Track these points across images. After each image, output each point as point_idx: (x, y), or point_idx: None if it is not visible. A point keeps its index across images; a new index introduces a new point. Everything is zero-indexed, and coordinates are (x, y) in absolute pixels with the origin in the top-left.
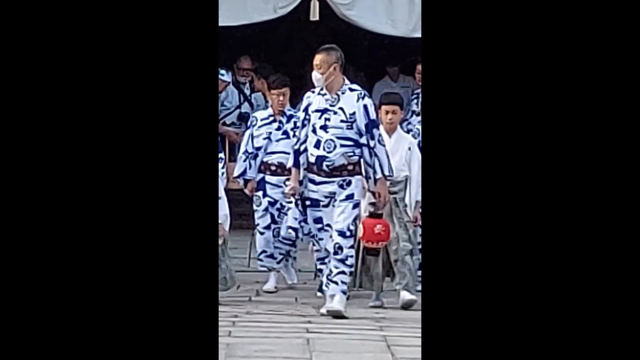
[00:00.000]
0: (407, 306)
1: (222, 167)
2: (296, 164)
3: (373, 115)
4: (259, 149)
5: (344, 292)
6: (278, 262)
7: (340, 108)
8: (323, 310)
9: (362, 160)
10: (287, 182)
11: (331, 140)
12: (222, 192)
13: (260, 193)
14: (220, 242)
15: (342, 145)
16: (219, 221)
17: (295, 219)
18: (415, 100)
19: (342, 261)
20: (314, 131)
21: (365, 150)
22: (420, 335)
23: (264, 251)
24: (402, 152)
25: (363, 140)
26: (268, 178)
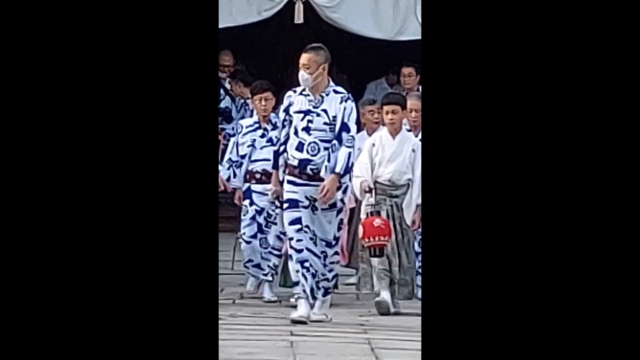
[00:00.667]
0: (381, 309)
1: None
2: (275, 165)
3: (347, 119)
4: (243, 157)
5: (324, 297)
6: (265, 274)
7: (324, 110)
8: (295, 316)
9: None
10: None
11: (315, 143)
12: None
13: (247, 202)
14: None
15: (325, 149)
16: None
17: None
18: None
19: (324, 266)
20: (296, 133)
21: (329, 151)
22: (403, 339)
23: (250, 260)
24: (405, 154)
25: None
26: (254, 187)
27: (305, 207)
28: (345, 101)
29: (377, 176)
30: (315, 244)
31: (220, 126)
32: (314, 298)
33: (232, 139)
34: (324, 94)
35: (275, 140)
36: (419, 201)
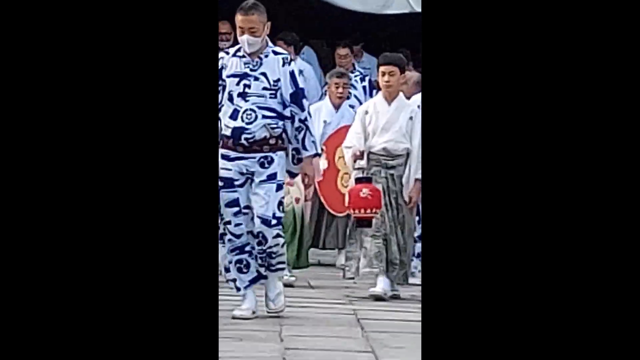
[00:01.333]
0: (375, 298)
1: None
2: None
3: (302, 84)
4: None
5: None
6: None
7: (263, 73)
8: (245, 313)
9: (284, 134)
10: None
11: (251, 110)
12: None
13: None
14: None
15: (264, 117)
16: None
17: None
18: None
19: (269, 255)
20: (231, 99)
21: (289, 124)
22: (388, 310)
23: None
24: (402, 121)
25: (287, 112)
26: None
27: (242, 185)
28: (289, 63)
29: (371, 146)
30: (252, 221)
31: None
32: (260, 279)
33: None
34: (262, 56)
35: None
36: (418, 175)
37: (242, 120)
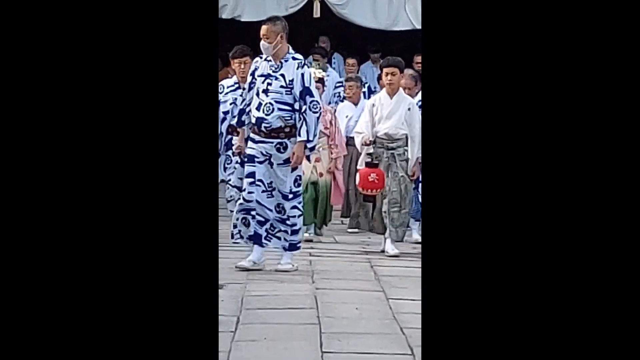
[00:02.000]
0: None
1: None
2: (239, 123)
3: (309, 84)
4: (226, 113)
5: (284, 248)
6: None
7: (282, 74)
8: (245, 264)
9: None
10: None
11: (270, 103)
12: None
13: (230, 152)
14: None
15: (279, 109)
16: None
17: (240, 178)
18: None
19: (283, 221)
20: (257, 94)
21: (296, 115)
22: (394, 261)
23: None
24: (401, 111)
25: (296, 105)
26: (235, 139)
27: (261, 162)
28: (302, 67)
29: (377, 132)
30: (271, 195)
31: None
32: (260, 244)
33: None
34: (283, 60)
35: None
36: (419, 155)
37: (263, 112)
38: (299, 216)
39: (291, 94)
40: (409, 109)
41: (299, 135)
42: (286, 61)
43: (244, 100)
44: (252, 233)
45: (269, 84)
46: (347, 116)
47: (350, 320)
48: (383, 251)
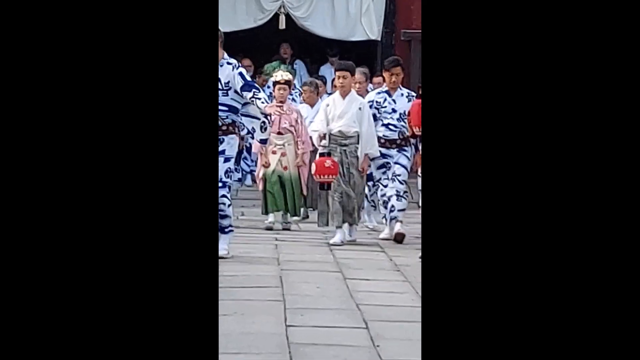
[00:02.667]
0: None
1: None
2: None
3: (248, 80)
4: None
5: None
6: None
7: (218, 79)
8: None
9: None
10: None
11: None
12: None
13: None
14: None
15: (219, 110)
16: None
17: None
18: None
19: (219, 215)
20: None
21: (233, 115)
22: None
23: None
24: (353, 111)
25: (237, 104)
26: None
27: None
28: (237, 68)
29: (331, 129)
30: None
31: None
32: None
33: None
34: (219, 66)
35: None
36: (366, 151)
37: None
38: (229, 205)
39: (227, 95)
40: (359, 109)
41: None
42: (221, 66)
43: None
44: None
45: None
46: (304, 117)
47: (312, 298)
48: (353, 240)
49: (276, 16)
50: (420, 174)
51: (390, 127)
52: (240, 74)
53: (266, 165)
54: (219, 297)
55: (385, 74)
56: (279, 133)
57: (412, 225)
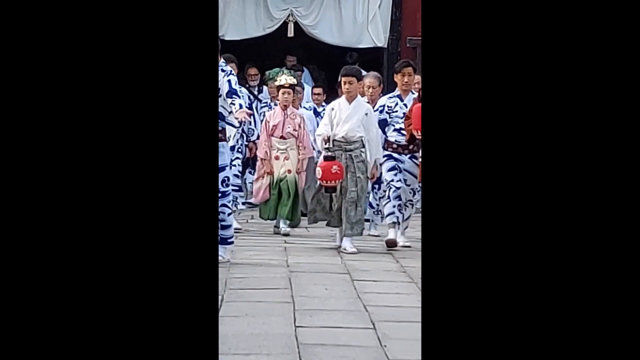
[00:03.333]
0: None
1: None
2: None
3: (235, 87)
4: None
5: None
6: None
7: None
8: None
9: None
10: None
11: None
12: None
13: None
14: None
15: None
16: None
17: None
18: None
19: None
20: None
21: (226, 113)
22: (366, 252)
23: None
24: (359, 116)
25: (224, 112)
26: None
27: None
28: (228, 75)
29: (335, 134)
30: None
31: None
32: None
33: None
34: None
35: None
36: (376, 157)
37: None
38: (229, 214)
39: (218, 102)
40: (366, 114)
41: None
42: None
43: None
44: None
45: None
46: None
47: (320, 299)
48: (339, 247)
49: (285, 24)
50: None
51: (403, 132)
52: (229, 80)
53: (270, 173)
54: (229, 299)
55: (397, 77)
56: (282, 137)
57: (418, 228)
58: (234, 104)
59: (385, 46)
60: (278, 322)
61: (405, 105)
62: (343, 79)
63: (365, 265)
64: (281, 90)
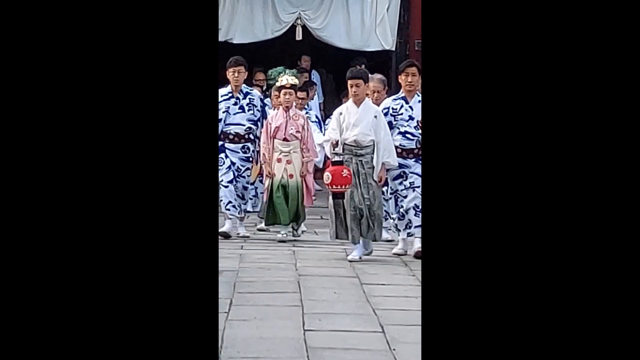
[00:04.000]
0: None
1: None
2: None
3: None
4: (219, 120)
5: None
6: (239, 213)
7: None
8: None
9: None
10: (243, 148)
11: None
12: None
13: (222, 155)
14: None
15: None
16: None
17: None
18: None
19: None
20: None
21: None
22: (375, 255)
23: (229, 202)
24: (368, 119)
25: None
26: (227, 145)
27: None
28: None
29: (345, 139)
30: None
31: None
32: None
33: None
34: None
35: (246, 108)
36: (384, 160)
37: None
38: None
39: None
40: (375, 117)
41: None
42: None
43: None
44: None
45: None
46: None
47: (329, 303)
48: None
49: (293, 27)
50: None
51: (408, 135)
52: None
53: (270, 176)
54: (238, 303)
55: (401, 78)
56: (285, 140)
57: None
58: None
59: (394, 49)
60: (287, 326)
61: (410, 107)
62: (349, 82)
63: (374, 268)
64: (282, 91)
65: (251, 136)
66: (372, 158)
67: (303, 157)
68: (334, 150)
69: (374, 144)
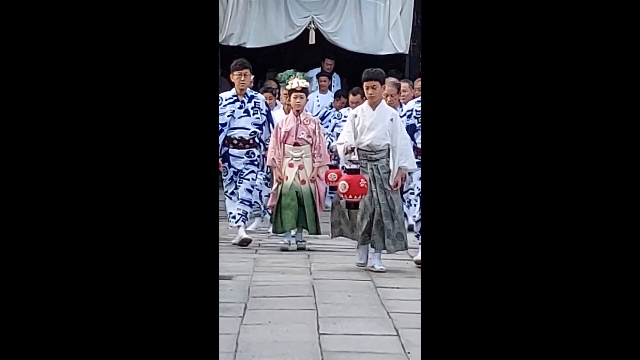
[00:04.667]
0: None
1: None
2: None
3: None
4: (224, 125)
5: None
6: (236, 220)
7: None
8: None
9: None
10: (248, 154)
11: None
12: None
13: (226, 164)
14: None
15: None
16: None
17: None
18: None
19: None
20: None
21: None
22: (389, 259)
23: (231, 212)
24: (384, 122)
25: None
26: (231, 151)
27: None
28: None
29: (359, 143)
30: None
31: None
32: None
33: None
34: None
35: (251, 111)
36: (400, 164)
37: None
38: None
39: None
40: (391, 120)
41: None
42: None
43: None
44: None
45: None
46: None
47: (344, 306)
48: (358, 264)
49: (306, 32)
50: None
51: None
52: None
53: (280, 181)
54: (253, 307)
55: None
56: (296, 144)
57: None
58: None
59: (407, 52)
60: (301, 330)
61: None
62: (365, 84)
63: (388, 272)
64: (293, 94)
65: (256, 140)
66: (387, 162)
67: (314, 162)
68: (351, 156)
69: (388, 147)
